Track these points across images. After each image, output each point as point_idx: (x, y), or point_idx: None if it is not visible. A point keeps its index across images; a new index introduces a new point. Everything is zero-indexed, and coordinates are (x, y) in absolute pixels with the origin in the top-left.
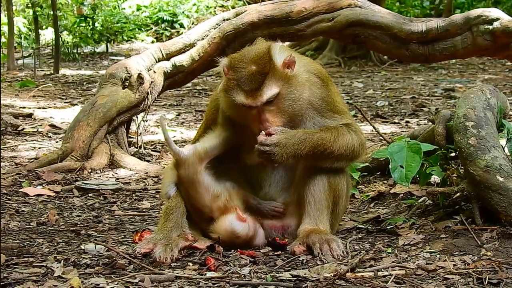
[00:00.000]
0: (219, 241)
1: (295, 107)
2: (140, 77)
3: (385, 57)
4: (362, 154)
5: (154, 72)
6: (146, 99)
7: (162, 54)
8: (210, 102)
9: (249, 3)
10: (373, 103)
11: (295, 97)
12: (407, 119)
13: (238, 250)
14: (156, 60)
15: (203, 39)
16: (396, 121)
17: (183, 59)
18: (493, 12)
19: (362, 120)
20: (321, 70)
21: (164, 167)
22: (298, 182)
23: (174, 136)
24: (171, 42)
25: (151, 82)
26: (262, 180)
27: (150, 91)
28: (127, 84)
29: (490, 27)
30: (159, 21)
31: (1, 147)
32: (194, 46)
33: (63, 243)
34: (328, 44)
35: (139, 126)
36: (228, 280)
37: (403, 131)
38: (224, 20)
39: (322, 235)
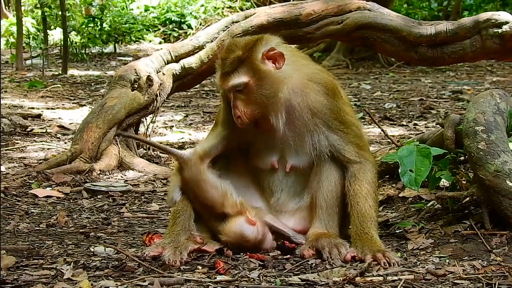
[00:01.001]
0: (228, 245)
1: (268, 103)
2: (149, 79)
3: (393, 59)
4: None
5: (163, 74)
6: (155, 101)
7: (171, 56)
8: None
9: (257, 5)
10: (381, 105)
11: (267, 94)
12: (415, 122)
13: (247, 253)
14: (165, 62)
15: (212, 41)
16: (404, 123)
17: (192, 61)
18: (502, 15)
19: (370, 122)
20: (327, 80)
21: (173, 169)
22: (311, 186)
23: (182, 138)
24: (180, 44)
25: (160, 84)
26: (273, 185)
27: (159, 93)
28: (136, 86)
29: (499, 30)
30: (167, 22)
31: (10, 148)
32: (203, 48)
33: (73, 245)
34: (336, 45)
35: (147, 128)
36: (237, 284)
37: (411, 134)
38: (233, 22)
39: (332, 239)
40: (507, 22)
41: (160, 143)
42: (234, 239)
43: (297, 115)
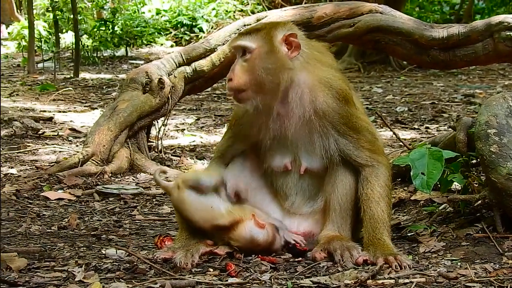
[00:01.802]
0: (239, 249)
1: (264, 83)
2: (160, 81)
3: (405, 62)
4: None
5: (175, 77)
6: (167, 103)
7: (183, 59)
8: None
9: (268, 8)
10: (392, 108)
11: (268, 72)
12: (427, 125)
13: (259, 256)
14: (176, 65)
15: (223, 44)
16: (416, 127)
17: (204, 64)
18: None
19: (382, 125)
20: (339, 86)
21: (184, 172)
22: (325, 190)
23: (194, 141)
24: (192, 46)
25: (172, 87)
26: (288, 188)
27: (171, 96)
28: (147, 89)
29: None
30: (179, 25)
31: (22, 150)
32: (215, 51)
33: (84, 248)
34: (348, 49)
35: (159, 130)
36: (248, 286)
37: (422, 137)
38: (244, 25)
39: (344, 242)
40: None
41: (172, 146)
42: (245, 244)
43: (305, 115)
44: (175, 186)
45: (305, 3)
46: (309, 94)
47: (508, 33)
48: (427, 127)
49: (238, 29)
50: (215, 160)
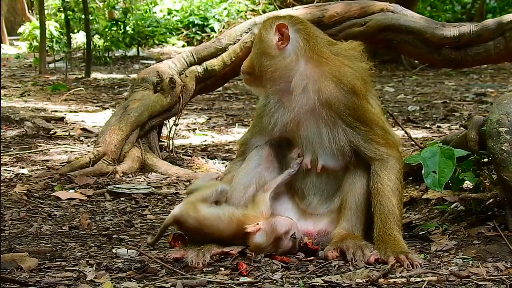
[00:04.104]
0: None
1: (257, 65)
2: (172, 81)
3: (416, 61)
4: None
5: (186, 76)
6: (178, 103)
7: (194, 58)
8: None
9: (280, 7)
10: (404, 107)
11: (258, 54)
12: (439, 124)
13: (274, 256)
14: (188, 64)
15: (234, 43)
16: (428, 126)
17: (215, 63)
18: None
19: (394, 124)
20: (349, 79)
21: (195, 171)
22: (343, 189)
23: (205, 140)
24: (203, 46)
25: (183, 86)
26: (306, 188)
27: (182, 95)
28: (158, 88)
29: None
30: (190, 25)
31: (34, 150)
32: (226, 50)
33: (95, 247)
34: None
35: (170, 130)
36: (260, 285)
37: (434, 136)
38: (255, 24)
39: (357, 241)
40: None
41: (183, 146)
42: (257, 252)
43: (309, 104)
44: (188, 209)
45: (317, 2)
46: (313, 85)
47: None
48: (438, 126)
49: (249, 28)
50: (237, 158)
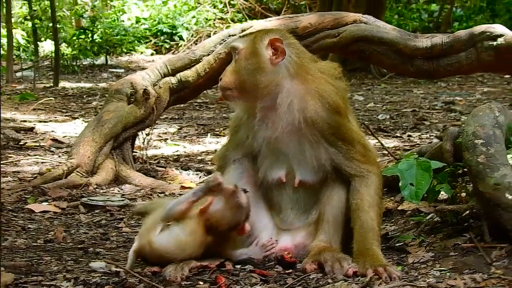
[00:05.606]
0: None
1: (247, 84)
2: (145, 92)
3: (385, 70)
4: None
5: (160, 87)
6: (152, 114)
7: (168, 70)
8: None
9: (248, 16)
10: (374, 116)
11: (249, 69)
12: (409, 133)
13: (254, 270)
14: (161, 75)
15: (208, 54)
16: (398, 135)
17: (189, 75)
18: (497, 28)
19: (366, 134)
20: (331, 97)
21: (169, 183)
22: (320, 201)
23: (177, 151)
24: (177, 57)
25: (157, 97)
26: (283, 201)
27: (156, 107)
28: (132, 99)
29: (495, 43)
30: (158, 34)
31: (3, 162)
32: (200, 61)
33: (72, 261)
34: (328, 56)
35: (144, 141)
36: None
37: (405, 145)
38: (229, 35)
39: (335, 253)
40: (502, 35)
41: (155, 156)
42: (223, 223)
43: (294, 123)
44: (144, 243)
45: (285, 11)
46: (298, 103)
47: (490, 43)
48: (409, 135)
49: (223, 39)
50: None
